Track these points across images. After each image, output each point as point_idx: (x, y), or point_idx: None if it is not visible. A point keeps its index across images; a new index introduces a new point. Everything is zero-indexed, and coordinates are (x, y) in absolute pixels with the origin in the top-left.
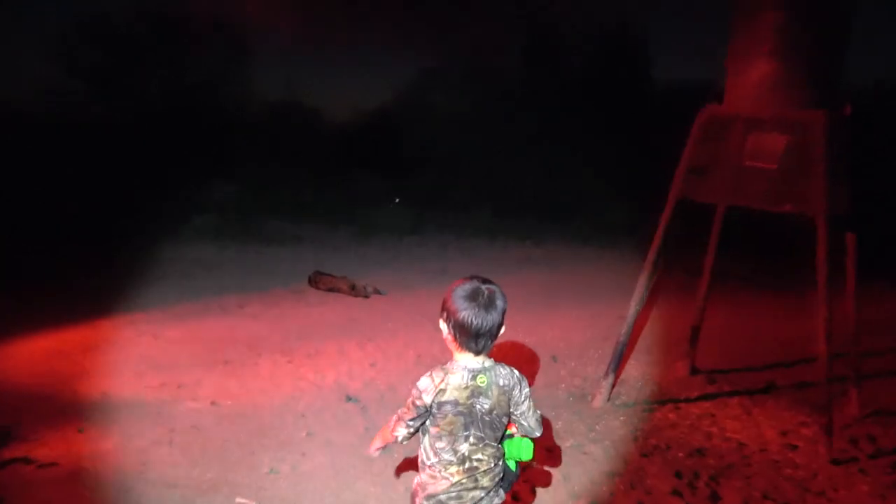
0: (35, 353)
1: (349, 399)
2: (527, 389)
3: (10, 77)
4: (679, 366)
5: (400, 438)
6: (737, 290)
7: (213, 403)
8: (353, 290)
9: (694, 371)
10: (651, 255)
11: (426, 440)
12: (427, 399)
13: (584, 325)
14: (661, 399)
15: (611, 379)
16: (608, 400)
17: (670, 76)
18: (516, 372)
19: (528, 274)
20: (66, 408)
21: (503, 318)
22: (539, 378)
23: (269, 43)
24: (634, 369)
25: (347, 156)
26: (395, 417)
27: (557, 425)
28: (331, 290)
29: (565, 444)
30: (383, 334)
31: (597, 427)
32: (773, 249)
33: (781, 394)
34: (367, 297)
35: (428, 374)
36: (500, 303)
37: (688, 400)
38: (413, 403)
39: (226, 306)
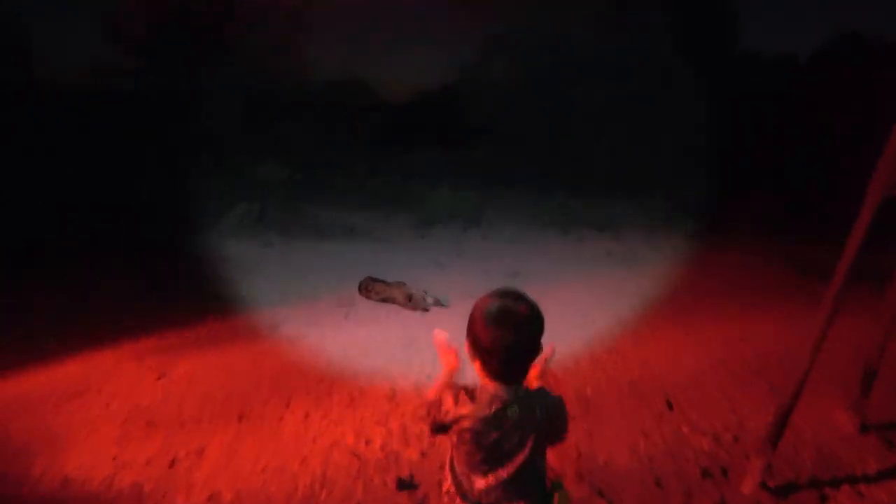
0: None
1: (402, 485)
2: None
3: (59, 53)
4: (843, 419)
5: None
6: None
7: (209, 499)
8: (410, 302)
9: (863, 428)
10: (844, 266)
11: (449, 460)
12: (445, 418)
13: (692, 346)
14: (832, 477)
15: (769, 455)
16: (762, 483)
17: (755, 46)
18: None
19: (611, 274)
20: None
21: (539, 341)
22: (655, 436)
23: (325, 16)
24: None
25: (406, 134)
26: (427, 407)
27: None
28: (384, 300)
29: None
30: None
31: None
32: None
33: None
34: (426, 310)
35: (453, 392)
36: (534, 324)
37: (868, 478)
38: (434, 417)
39: (257, 325)
